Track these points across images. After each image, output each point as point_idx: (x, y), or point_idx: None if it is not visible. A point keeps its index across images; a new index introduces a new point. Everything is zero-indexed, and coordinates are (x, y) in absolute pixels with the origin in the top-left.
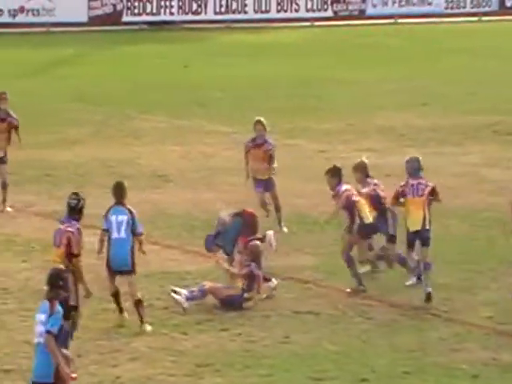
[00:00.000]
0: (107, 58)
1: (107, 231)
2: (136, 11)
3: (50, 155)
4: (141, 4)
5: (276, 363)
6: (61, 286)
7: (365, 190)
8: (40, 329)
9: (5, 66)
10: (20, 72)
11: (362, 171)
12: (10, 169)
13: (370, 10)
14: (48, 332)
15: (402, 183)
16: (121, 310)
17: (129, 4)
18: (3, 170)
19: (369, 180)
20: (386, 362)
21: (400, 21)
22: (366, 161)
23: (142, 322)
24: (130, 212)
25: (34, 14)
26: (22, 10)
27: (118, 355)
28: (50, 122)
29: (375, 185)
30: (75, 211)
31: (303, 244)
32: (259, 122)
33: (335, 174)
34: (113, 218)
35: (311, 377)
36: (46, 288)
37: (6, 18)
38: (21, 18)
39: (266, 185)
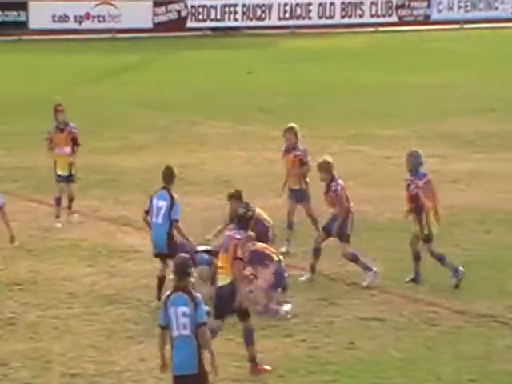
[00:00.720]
0: (172, 64)
1: (147, 213)
2: (200, 17)
3: (115, 161)
4: (205, 10)
5: (340, 369)
6: (189, 273)
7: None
8: (184, 321)
9: (71, 72)
10: (85, 78)
11: (326, 171)
12: (80, 174)
13: (435, 15)
14: (204, 324)
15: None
16: (158, 298)
17: (193, 10)
18: (71, 188)
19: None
20: (451, 370)
21: (466, 26)
22: (330, 160)
23: None
24: (172, 198)
25: (99, 21)
26: (87, 16)
27: None
28: (115, 128)
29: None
30: (243, 220)
31: (368, 250)
32: (288, 129)
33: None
34: (154, 202)
35: (376, 383)
36: (174, 278)
37: (72, 25)
38: (87, 25)
39: (298, 196)
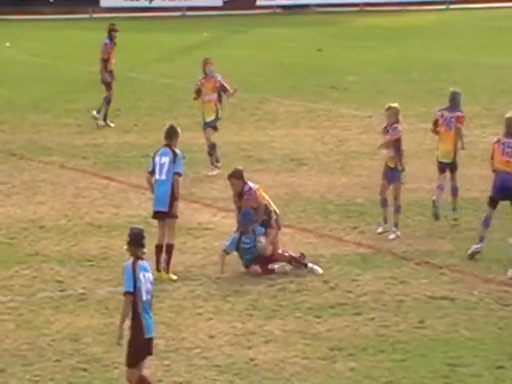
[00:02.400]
0: (241, 42)
1: (152, 173)
2: None
3: (185, 138)
4: None
5: (410, 348)
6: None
7: None
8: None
9: (142, 50)
10: (156, 56)
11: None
12: (149, 151)
13: None
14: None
15: None
16: (158, 268)
17: None
18: (208, 134)
19: None
20: None
21: None
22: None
23: (167, 271)
24: (174, 154)
25: None
26: None
27: (252, 337)
28: (186, 105)
29: None
30: None
31: (438, 229)
32: (387, 108)
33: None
34: (156, 160)
35: (446, 362)
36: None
37: (142, 3)
38: (157, 3)
39: (391, 175)
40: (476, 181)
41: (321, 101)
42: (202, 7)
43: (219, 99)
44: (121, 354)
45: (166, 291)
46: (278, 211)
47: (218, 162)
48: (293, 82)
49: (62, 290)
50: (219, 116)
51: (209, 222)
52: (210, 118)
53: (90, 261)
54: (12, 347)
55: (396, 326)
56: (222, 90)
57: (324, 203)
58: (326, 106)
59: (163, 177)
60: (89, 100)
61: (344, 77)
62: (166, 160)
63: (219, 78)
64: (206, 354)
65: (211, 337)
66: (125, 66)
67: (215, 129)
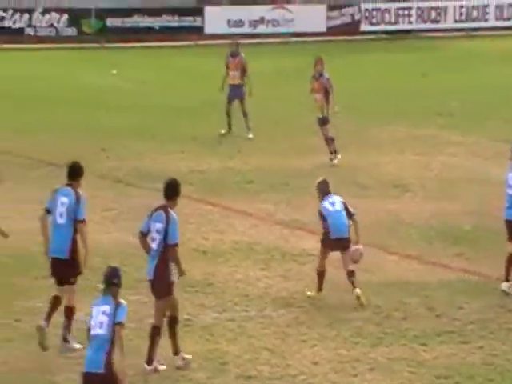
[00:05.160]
0: (345, 67)
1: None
2: (374, 21)
3: (285, 163)
4: (379, 13)
5: None
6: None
7: None
8: (102, 319)
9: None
10: (258, 81)
11: None
12: (252, 177)
13: None
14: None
15: None
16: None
17: (367, 14)
18: (324, 130)
19: None
20: None
21: None
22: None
23: (353, 286)
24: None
25: (273, 25)
26: (262, 20)
27: (357, 365)
28: (286, 129)
29: None
30: None
31: None
32: None
33: None
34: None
35: None
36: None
37: (246, 29)
38: (261, 29)
39: None
40: None
41: (426, 126)
42: (306, 33)
43: (326, 98)
44: (226, 380)
45: (270, 318)
46: None
47: (336, 153)
48: (397, 107)
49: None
50: (328, 111)
51: (313, 249)
52: (322, 114)
53: (194, 286)
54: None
55: (505, 354)
56: (327, 90)
57: (428, 229)
58: (432, 131)
59: None
60: (192, 127)
61: (448, 102)
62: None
63: (325, 78)
64: (311, 381)
65: (316, 364)
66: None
67: (327, 122)
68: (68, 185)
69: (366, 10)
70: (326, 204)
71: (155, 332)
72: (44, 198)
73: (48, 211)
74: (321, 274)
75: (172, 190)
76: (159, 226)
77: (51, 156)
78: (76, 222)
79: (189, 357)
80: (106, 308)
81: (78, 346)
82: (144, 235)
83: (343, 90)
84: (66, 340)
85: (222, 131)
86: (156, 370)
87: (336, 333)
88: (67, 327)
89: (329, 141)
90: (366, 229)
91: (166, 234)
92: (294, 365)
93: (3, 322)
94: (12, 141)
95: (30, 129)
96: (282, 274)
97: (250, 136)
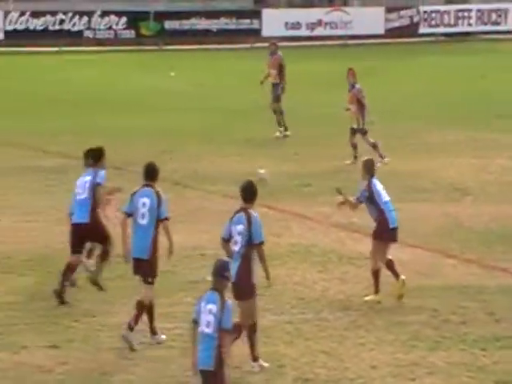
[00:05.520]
0: (403, 70)
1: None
2: (433, 23)
3: (345, 167)
4: (438, 15)
5: None
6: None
7: None
8: (208, 318)
9: (303, 78)
10: (317, 84)
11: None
12: (308, 180)
13: None
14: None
15: None
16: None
17: (426, 16)
18: (365, 140)
19: None
20: None
21: None
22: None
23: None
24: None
25: (331, 27)
26: (319, 23)
27: (415, 369)
28: (345, 135)
29: None
30: None
31: None
32: None
33: None
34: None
35: None
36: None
37: (303, 32)
38: (319, 32)
39: None
40: None
41: (485, 129)
42: (364, 35)
43: (360, 108)
44: (283, 383)
45: (327, 321)
46: None
47: (382, 157)
48: (456, 110)
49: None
50: (363, 121)
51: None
52: (357, 125)
53: None
54: (178, 373)
55: None
56: (360, 101)
57: (488, 233)
58: (491, 134)
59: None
60: (249, 129)
61: (509, 105)
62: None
63: (356, 89)
64: None
65: (374, 367)
66: (286, 95)
67: (365, 132)
68: (146, 185)
69: (425, 12)
70: (379, 187)
71: (251, 330)
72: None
73: (128, 214)
74: (376, 274)
75: (249, 193)
76: (241, 227)
77: (111, 159)
78: (159, 222)
79: (266, 365)
80: (213, 307)
81: (135, 341)
82: (226, 241)
83: (402, 93)
84: (131, 329)
85: (277, 133)
86: (261, 367)
87: (394, 336)
88: (133, 319)
89: (374, 148)
90: (426, 232)
91: (249, 235)
92: (351, 368)
93: (63, 323)
94: (71, 144)
95: (88, 132)
96: (339, 276)
97: (277, 134)
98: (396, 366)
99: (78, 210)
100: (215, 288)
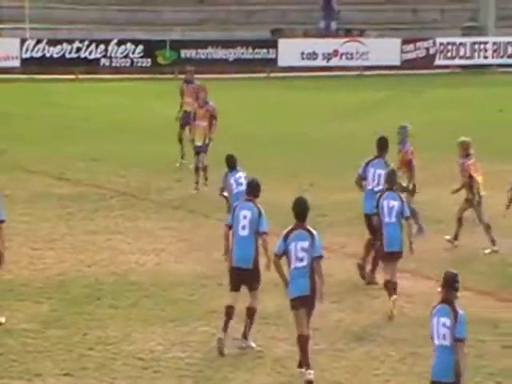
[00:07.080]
0: (419, 101)
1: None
2: (449, 54)
3: (360, 198)
4: (454, 47)
5: None
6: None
7: None
8: (443, 331)
9: (319, 109)
10: (333, 115)
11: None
12: (323, 210)
13: None
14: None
15: None
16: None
17: (442, 47)
18: (201, 158)
19: None
20: None
21: None
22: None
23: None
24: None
25: (347, 58)
26: (336, 53)
27: None
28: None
29: None
30: None
31: None
32: None
33: None
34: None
35: None
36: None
37: (320, 62)
38: (335, 62)
39: None
40: None
41: (503, 161)
42: (380, 66)
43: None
44: None
45: (342, 351)
46: None
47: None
48: (474, 141)
49: (239, 348)
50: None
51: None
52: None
53: (265, 318)
54: None
55: None
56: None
57: (505, 266)
58: (509, 166)
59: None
60: (258, 159)
61: None
62: (394, 204)
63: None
64: None
65: None
66: (302, 125)
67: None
68: (248, 200)
69: (441, 44)
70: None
71: (302, 341)
72: (117, 228)
73: (230, 227)
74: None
75: (304, 212)
76: (305, 244)
77: (125, 186)
78: (259, 234)
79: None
80: (446, 320)
81: (253, 344)
82: (278, 257)
83: (417, 124)
84: (245, 337)
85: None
86: (310, 375)
87: (409, 368)
88: (248, 325)
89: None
90: (440, 264)
91: (312, 249)
92: None
93: (77, 351)
94: (89, 172)
95: (105, 159)
96: (353, 306)
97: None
98: None
99: None
100: (445, 300)
